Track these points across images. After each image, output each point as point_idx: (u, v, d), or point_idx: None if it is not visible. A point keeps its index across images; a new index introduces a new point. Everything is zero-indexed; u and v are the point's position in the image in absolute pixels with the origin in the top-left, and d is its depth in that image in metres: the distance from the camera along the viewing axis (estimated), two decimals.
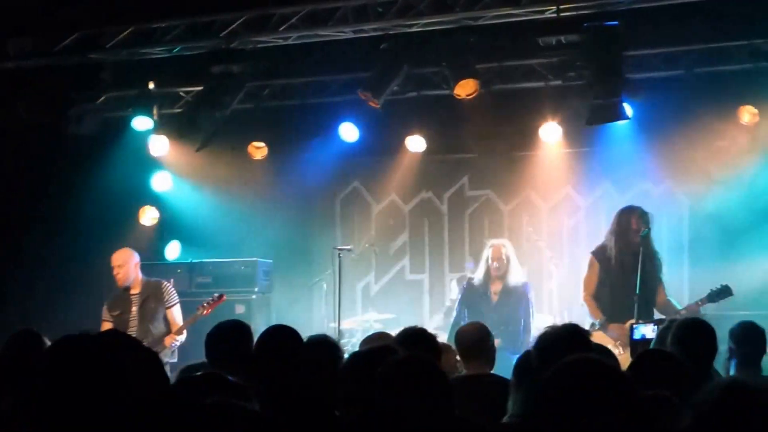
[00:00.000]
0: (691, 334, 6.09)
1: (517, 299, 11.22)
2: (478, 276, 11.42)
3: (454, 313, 11.40)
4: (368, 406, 3.97)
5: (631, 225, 10.02)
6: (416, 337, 6.26)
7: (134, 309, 10.38)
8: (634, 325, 7.97)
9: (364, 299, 14.13)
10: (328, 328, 11.91)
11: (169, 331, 10.34)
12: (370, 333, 9.52)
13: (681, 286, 12.46)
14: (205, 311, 10.36)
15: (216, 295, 10.69)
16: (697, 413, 2.21)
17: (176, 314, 10.45)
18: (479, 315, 10.86)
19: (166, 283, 10.68)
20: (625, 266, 9.94)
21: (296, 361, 5.52)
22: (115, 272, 10.40)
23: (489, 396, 6.12)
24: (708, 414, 2.17)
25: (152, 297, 10.43)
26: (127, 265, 10.39)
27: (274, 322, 12.36)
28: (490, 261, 11.34)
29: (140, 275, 10.59)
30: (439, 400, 3.96)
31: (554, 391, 3.20)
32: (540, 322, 12.04)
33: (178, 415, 3.14)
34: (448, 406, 4.01)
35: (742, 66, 11.61)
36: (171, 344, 10.18)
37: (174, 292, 10.60)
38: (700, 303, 9.74)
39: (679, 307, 9.93)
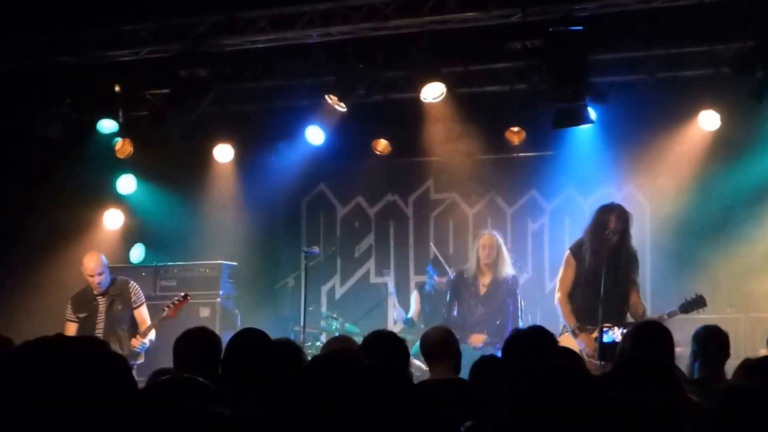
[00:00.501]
0: (648, 336, 6.12)
1: (506, 292, 11.14)
2: (468, 267, 11.34)
3: (445, 307, 11.34)
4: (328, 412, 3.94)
5: (609, 224, 9.71)
6: (385, 340, 6.26)
7: (101, 311, 10.35)
8: (604, 328, 7.83)
9: (329, 302, 14.16)
10: (293, 331, 11.91)
11: (134, 332, 10.31)
12: (334, 336, 9.53)
13: (643, 290, 12.47)
14: (170, 312, 10.33)
15: (180, 295, 10.64)
16: (701, 416, 2.23)
17: (144, 314, 10.42)
18: (467, 307, 10.91)
19: (132, 283, 10.65)
20: (600, 267, 9.62)
21: (263, 364, 5.52)
22: (92, 280, 10.35)
23: (453, 400, 6.15)
24: (713, 417, 2.18)
25: (119, 298, 10.41)
26: (105, 273, 10.39)
27: (239, 325, 12.40)
28: (480, 250, 11.23)
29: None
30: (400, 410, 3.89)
31: (523, 396, 3.23)
32: None
33: (150, 421, 3.14)
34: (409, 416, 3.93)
35: (703, 71, 11.71)
36: (139, 346, 10.14)
37: (140, 291, 10.58)
38: (666, 316, 9.49)
39: (649, 315, 9.66)
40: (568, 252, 10.08)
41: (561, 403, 3.16)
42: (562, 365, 3.36)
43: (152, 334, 10.28)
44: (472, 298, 11.12)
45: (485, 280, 11.18)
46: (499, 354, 9.85)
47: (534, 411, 3.18)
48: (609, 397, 3.32)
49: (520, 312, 11.10)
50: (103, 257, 10.53)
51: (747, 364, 5.33)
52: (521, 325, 10.80)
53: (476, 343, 10.57)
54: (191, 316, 11.52)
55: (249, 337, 5.92)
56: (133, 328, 10.35)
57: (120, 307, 10.38)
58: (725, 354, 6.88)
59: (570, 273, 9.95)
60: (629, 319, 9.57)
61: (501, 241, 11.40)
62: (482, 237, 11.39)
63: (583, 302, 9.77)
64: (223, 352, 5.89)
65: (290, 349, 6.07)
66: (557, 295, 10.03)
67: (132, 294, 10.46)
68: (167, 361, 6.64)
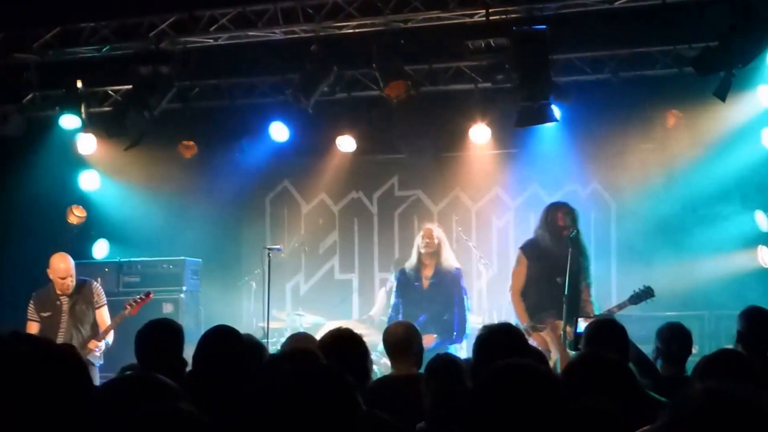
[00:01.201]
0: (602, 334, 6.13)
1: (449, 285, 10.69)
2: (410, 263, 10.94)
3: (391, 306, 11.04)
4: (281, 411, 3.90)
5: (557, 221, 9.81)
6: (343, 338, 6.23)
7: (65, 310, 10.23)
8: (579, 319, 7.93)
9: (293, 299, 14.13)
10: (257, 328, 11.88)
11: (95, 333, 10.21)
12: (293, 334, 9.45)
13: (608, 287, 12.60)
14: (132, 310, 10.24)
15: (143, 293, 10.56)
16: (674, 417, 2.18)
17: (105, 315, 10.31)
18: (413, 304, 10.59)
19: (95, 283, 10.53)
20: (552, 264, 9.74)
21: (233, 363, 5.49)
22: (63, 282, 10.19)
23: (415, 397, 6.15)
24: (686, 419, 2.14)
25: (82, 298, 10.28)
26: (74, 274, 10.25)
27: (202, 321, 12.39)
28: (420, 243, 10.83)
29: None
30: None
31: (485, 397, 3.21)
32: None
33: (107, 421, 3.11)
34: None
35: (667, 71, 11.76)
36: (96, 348, 10.03)
37: (102, 292, 10.47)
38: (617, 308, 9.50)
39: (598, 312, 9.61)
40: (519, 251, 10.15)
41: (523, 405, 3.14)
42: (526, 367, 3.34)
43: (110, 336, 10.18)
44: (416, 294, 10.73)
45: (428, 272, 10.76)
46: (449, 349, 9.88)
47: (495, 412, 3.15)
48: (570, 400, 3.32)
49: (466, 304, 10.70)
50: (71, 259, 10.40)
51: (699, 365, 5.33)
52: (468, 321, 10.57)
53: (427, 344, 10.45)
54: (154, 312, 11.43)
55: (221, 336, 5.85)
56: (94, 329, 10.25)
57: (83, 307, 10.25)
58: (687, 351, 6.92)
59: (522, 271, 10.01)
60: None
61: (442, 234, 11.03)
62: (422, 231, 11.01)
63: (536, 299, 9.84)
64: (194, 349, 5.79)
65: (251, 345, 6.05)
66: (510, 293, 10.09)
67: (95, 294, 10.33)
68: (126, 358, 6.62)
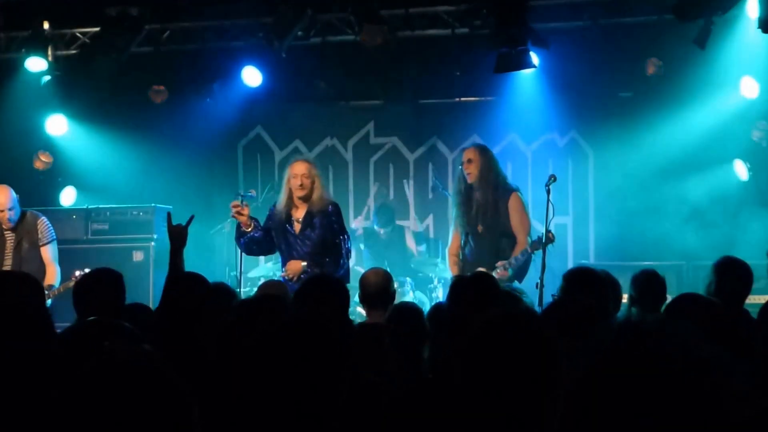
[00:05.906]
0: (580, 284, 6.05)
1: (319, 222, 9.25)
2: (280, 202, 9.53)
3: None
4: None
5: (462, 164, 9.76)
6: (321, 283, 6.12)
7: (9, 248, 9.92)
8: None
9: None
10: (230, 277, 11.77)
11: (41, 272, 9.87)
12: (265, 282, 9.20)
13: (586, 236, 12.58)
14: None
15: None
16: (594, 357, 2.18)
17: (49, 253, 9.98)
18: (285, 249, 9.44)
19: (41, 218, 10.07)
20: (470, 213, 9.63)
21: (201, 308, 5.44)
22: (1, 215, 9.89)
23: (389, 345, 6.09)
24: (605, 356, 2.15)
25: (27, 237, 9.95)
26: (15, 207, 9.91)
27: None
28: (291, 179, 9.35)
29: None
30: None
31: (476, 347, 3.15)
32: (443, 273, 12.04)
33: (72, 361, 3.02)
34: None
35: (647, 18, 11.62)
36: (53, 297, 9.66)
37: (49, 228, 10.03)
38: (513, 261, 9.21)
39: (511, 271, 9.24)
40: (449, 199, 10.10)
41: (514, 357, 3.10)
42: (517, 318, 3.27)
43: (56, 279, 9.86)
44: (288, 237, 9.40)
45: (299, 214, 9.38)
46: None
47: (485, 363, 3.10)
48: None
49: (342, 242, 9.27)
50: (12, 191, 10.07)
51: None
52: (345, 260, 9.33)
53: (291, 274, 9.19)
54: (125, 260, 11.32)
55: (188, 282, 5.98)
56: (40, 266, 9.93)
57: (27, 245, 9.94)
58: (662, 297, 6.78)
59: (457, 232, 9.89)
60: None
61: (316, 170, 9.52)
62: (292, 164, 9.52)
63: (462, 249, 9.74)
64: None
65: (223, 292, 5.98)
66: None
67: (39, 231, 9.96)
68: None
